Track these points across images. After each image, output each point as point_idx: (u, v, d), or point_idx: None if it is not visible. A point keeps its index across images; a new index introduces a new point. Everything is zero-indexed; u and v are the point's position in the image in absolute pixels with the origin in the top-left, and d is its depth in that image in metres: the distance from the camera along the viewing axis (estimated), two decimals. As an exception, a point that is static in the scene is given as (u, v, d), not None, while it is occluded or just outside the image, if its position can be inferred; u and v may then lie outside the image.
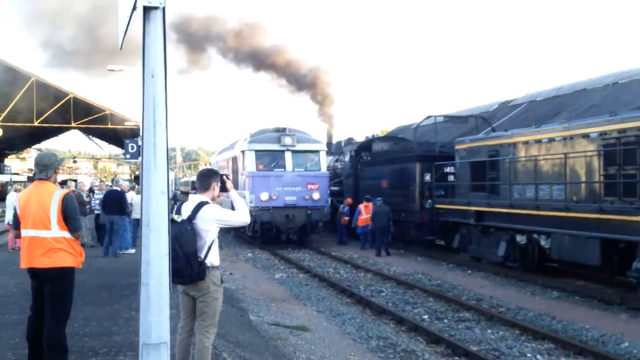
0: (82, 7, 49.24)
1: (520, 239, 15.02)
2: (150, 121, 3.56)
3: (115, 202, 15.54)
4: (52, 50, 57.83)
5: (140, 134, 3.77)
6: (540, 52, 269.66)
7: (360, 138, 30.12)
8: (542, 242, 14.17)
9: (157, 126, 3.57)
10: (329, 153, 26.50)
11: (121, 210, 15.48)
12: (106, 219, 15.75)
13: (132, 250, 15.94)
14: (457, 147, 18.60)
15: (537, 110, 25.37)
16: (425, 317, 11.59)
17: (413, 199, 20.34)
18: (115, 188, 16.47)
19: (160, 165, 3.57)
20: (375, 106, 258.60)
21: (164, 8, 3.56)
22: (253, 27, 38.80)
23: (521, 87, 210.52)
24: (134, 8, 3.49)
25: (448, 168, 19.43)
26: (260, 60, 37.46)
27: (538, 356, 9.05)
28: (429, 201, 19.37)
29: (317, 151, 22.93)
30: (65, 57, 55.88)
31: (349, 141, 29.62)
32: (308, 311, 11.97)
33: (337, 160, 28.32)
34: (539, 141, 14.80)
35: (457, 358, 9.05)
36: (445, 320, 11.31)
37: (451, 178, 19.27)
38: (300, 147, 22.42)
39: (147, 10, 3.54)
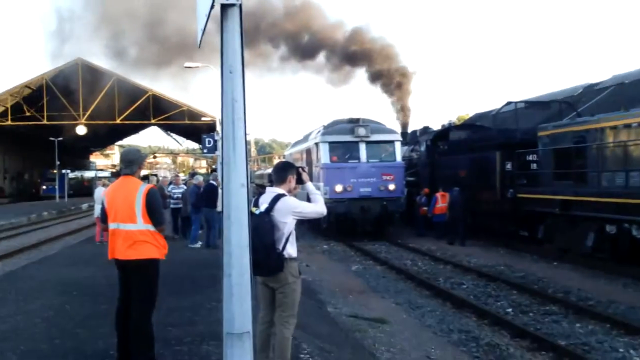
0: (155, 7, 50.40)
1: (610, 228, 14.41)
2: (229, 116, 3.62)
3: (210, 195, 15.93)
4: (126, 50, 59.53)
5: (220, 128, 3.84)
6: (627, 32, 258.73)
7: (436, 127, 29.74)
8: (634, 232, 13.58)
9: (236, 121, 3.63)
10: (404, 143, 26.25)
11: (214, 204, 15.81)
12: (204, 211, 16.25)
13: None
14: (540, 133, 18.04)
15: (626, 93, 24.26)
16: (509, 310, 11.35)
17: (494, 189, 19.89)
18: (211, 182, 16.85)
19: (240, 158, 3.63)
20: (451, 93, 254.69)
21: (240, 5, 3.61)
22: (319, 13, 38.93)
23: (606, 69, 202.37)
24: (212, 6, 3.56)
25: (530, 156, 18.89)
26: (333, 51, 37.55)
27: (632, 351, 8.68)
28: (511, 191, 18.86)
29: (391, 141, 22.77)
30: (140, 56, 57.49)
31: (425, 130, 29.23)
32: (386, 303, 11.95)
33: (412, 150, 28.05)
34: (628, 126, 14.23)
35: (543, 353, 8.77)
36: (531, 314, 11.02)
37: (534, 166, 18.72)
38: (374, 137, 22.32)
39: (224, 7, 3.60)
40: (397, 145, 22.83)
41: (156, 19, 48.20)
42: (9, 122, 56.26)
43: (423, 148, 26.53)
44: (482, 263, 16.64)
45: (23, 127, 60.10)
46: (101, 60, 55.56)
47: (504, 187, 19.36)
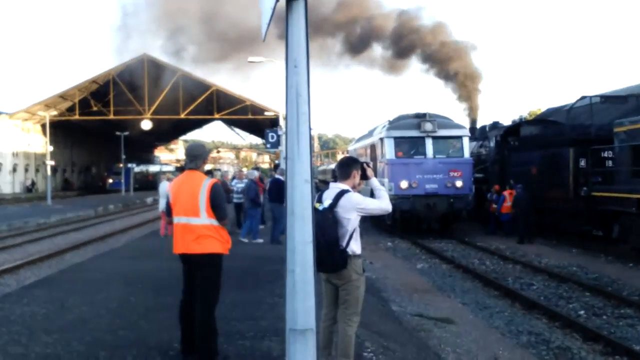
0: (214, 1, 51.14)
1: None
2: (294, 111, 3.58)
3: (276, 190, 16.02)
4: (185, 45, 60.74)
5: (283, 123, 3.81)
6: None
7: (506, 122, 29.10)
8: None
9: (300, 115, 3.58)
10: (472, 139, 25.79)
11: (280, 199, 15.86)
12: (269, 206, 16.36)
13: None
14: (616, 129, 17.32)
15: None
16: (582, 312, 10.97)
17: (566, 186, 19.24)
18: (277, 176, 16.93)
19: (304, 153, 3.58)
20: (523, 88, 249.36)
21: (305, -1, 3.57)
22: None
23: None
24: (277, 0, 3.52)
25: (606, 152, 18.17)
26: (400, 45, 37.26)
27: None
28: (585, 188, 18.22)
29: (459, 137, 22.36)
30: (199, 51, 58.46)
31: (494, 126, 28.62)
32: (452, 303, 11.74)
33: (481, 146, 27.54)
34: None
35: (617, 357, 8.45)
36: (604, 317, 10.63)
37: (609, 163, 18.04)
38: (441, 133, 21.95)
39: (289, 1, 3.56)
40: (465, 140, 22.41)
41: (215, 13, 48.89)
42: (77, 117, 58.18)
43: (492, 144, 25.99)
44: (553, 263, 16.16)
45: (90, 122, 62.08)
46: (163, 56, 56.43)
47: (577, 185, 18.72)
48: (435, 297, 12.26)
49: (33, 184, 66.46)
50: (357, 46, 40.38)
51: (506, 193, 21.36)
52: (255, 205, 16.49)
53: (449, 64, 34.26)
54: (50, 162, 47.93)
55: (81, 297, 9.10)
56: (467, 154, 22.30)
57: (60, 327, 7.24)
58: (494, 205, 22.43)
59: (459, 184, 21.45)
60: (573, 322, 10.02)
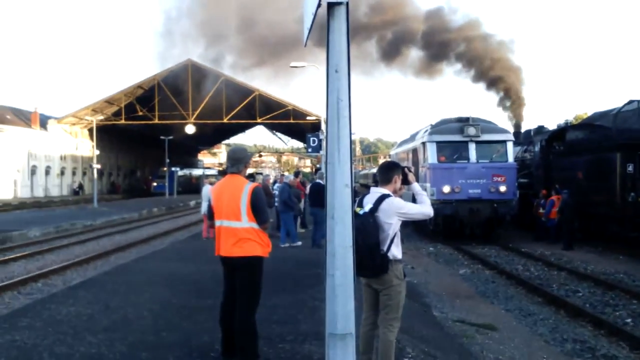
0: (253, 7, 51.55)
1: None
2: (334, 115, 3.59)
3: (317, 194, 16.03)
4: (225, 51, 61.46)
5: (324, 128, 3.82)
6: None
7: (551, 126, 28.63)
8: None
9: (340, 120, 3.59)
10: (516, 143, 25.44)
11: (320, 203, 15.81)
12: (310, 211, 16.39)
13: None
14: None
15: None
16: (629, 320, 10.72)
17: (613, 192, 18.82)
18: (318, 181, 16.96)
19: (344, 158, 3.58)
20: (569, 91, 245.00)
21: (347, 3, 3.56)
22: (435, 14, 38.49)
23: None
24: (319, 5, 3.53)
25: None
26: (441, 49, 37.01)
27: None
28: (632, 194, 17.81)
29: (503, 141, 22.08)
30: (242, 56, 58.98)
31: (539, 130, 28.18)
32: (495, 309, 11.59)
33: (525, 151, 27.15)
34: None
35: (664, 366, 8.25)
36: (654, 326, 10.35)
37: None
38: (484, 137, 21.70)
39: (331, 6, 3.56)
40: (509, 145, 22.11)
41: (254, 19, 49.26)
42: (123, 121, 59.25)
43: (537, 148, 25.59)
44: (599, 270, 15.82)
45: (135, 126, 63.19)
46: (206, 61, 57.06)
47: (624, 191, 18.30)
48: (477, 303, 12.13)
49: (80, 187, 67.91)
50: (390, 51, 40.24)
51: (555, 198, 21.00)
52: (288, 209, 16.52)
53: (490, 67, 33.84)
54: (96, 166, 48.89)
55: (125, 298, 9.26)
56: (511, 158, 21.99)
57: (104, 328, 7.38)
58: (541, 211, 22.05)
59: (502, 189, 21.17)
60: (619, 330, 9.80)
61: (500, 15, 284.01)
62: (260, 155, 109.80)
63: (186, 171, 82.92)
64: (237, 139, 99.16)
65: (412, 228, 25.04)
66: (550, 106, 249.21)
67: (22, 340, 6.83)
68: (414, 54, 39.55)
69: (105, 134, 62.24)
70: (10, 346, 6.63)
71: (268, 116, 58.99)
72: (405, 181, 5.64)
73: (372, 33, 39.83)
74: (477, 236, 21.79)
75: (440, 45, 36.76)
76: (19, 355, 6.30)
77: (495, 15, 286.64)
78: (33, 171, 62.25)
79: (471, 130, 21.55)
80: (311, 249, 15.27)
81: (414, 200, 5.63)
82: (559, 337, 9.62)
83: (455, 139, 21.80)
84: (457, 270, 16.35)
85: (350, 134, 3.65)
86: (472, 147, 21.58)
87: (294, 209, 16.83)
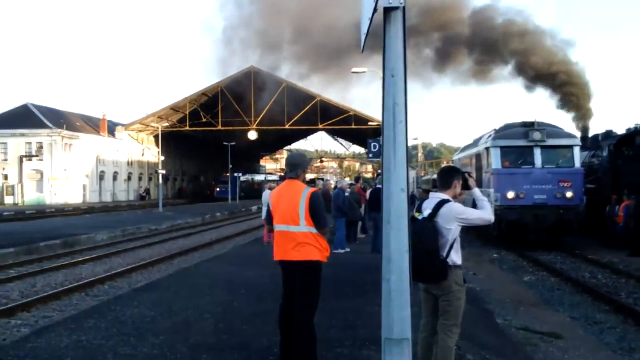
0: (311, 15, 51.72)
1: None
2: (390, 120, 3.58)
3: (377, 199, 16.01)
4: (284, 58, 62.03)
5: (381, 132, 3.81)
6: None
7: (620, 131, 27.75)
8: None
9: (396, 124, 3.58)
10: (583, 148, 24.78)
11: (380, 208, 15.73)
12: (370, 215, 16.37)
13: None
14: None
15: None
16: (702, 330, 10.28)
17: (684, 198, 18.15)
18: (378, 186, 16.93)
19: (400, 163, 3.57)
20: (638, 94, 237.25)
21: (403, 8, 3.56)
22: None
23: None
24: (375, 10, 3.53)
25: None
26: (497, 53, 36.37)
27: None
28: None
29: (569, 146, 21.53)
30: (300, 61, 59.32)
31: (607, 134, 27.31)
32: (560, 317, 11.29)
33: (593, 156, 26.40)
34: None
35: None
36: None
37: None
38: (550, 142, 21.21)
39: (387, 11, 3.56)
40: (576, 150, 21.55)
41: (311, 25, 49.44)
42: (187, 128, 60.48)
43: (605, 153, 24.85)
44: (670, 278, 15.22)
45: (199, 133, 64.44)
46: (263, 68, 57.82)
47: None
48: (542, 310, 11.84)
49: (146, 191, 69.63)
50: (445, 58, 39.74)
51: (628, 203, 20.34)
52: (341, 214, 16.50)
53: (552, 71, 33.03)
54: (162, 171, 50.07)
55: (187, 301, 9.44)
56: (577, 163, 21.43)
57: (167, 329, 7.54)
58: (621, 215, 21.30)
59: (569, 194, 20.64)
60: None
61: (565, 13, 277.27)
62: (322, 161, 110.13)
63: (248, 176, 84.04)
64: (298, 145, 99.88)
65: (475, 234, 24.66)
66: (619, 110, 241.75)
67: (88, 341, 7.06)
68: (469, 60, 38.91)
69: (170, 140, 63.75)
70: (76, 346, 6.85)
71: (329, 122, 59.28)
72: (466, 186, 5.57)
73: (428, 38, 39.44)
74: (542, 242, 21.28)
75: (495, 49, 36.13)
76: (85, 356, 6.50)
77: (561, 14, 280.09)
78: (101, 176, 64.28)
79: (536, 135, 21.11)
80: (372, 254, 15.22)
81: (474, 206, 5.54)
82: (627, 346, 9.30)
83: (519, 143, 21.40)
84: (521, 277, 16.01)
85: (407, 138, 3.64)
86: (537, 152, 21.14)
87: (347, 214, 16.83)
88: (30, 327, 9.59)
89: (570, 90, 32.38)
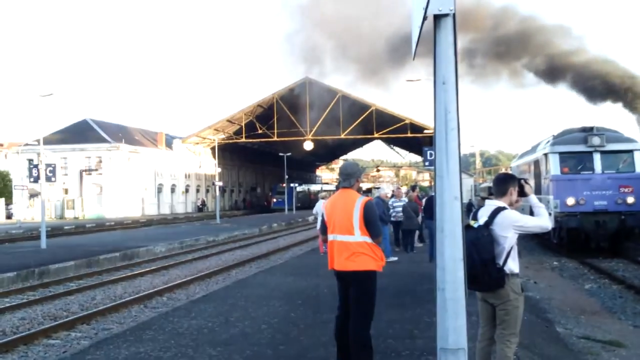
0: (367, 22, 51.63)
1: None
2: (442, 127, 3.57)
3: (432, 207, 15.90)
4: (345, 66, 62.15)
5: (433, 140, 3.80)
6: None
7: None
8: None
9: (448, 132, 3.56)
10: (645, 152, 24.05)
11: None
12: (426, 224, 16.31)
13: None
14: None
15: None
16: None
17: None
18: (432, 194, 16.84)
19: (453, 170, 3.55)
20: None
21: (454, 15, 3.55)
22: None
23: None
24: (425, 17, 3.53)
25: None
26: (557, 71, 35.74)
27: None
28: None
29: (630, 151, 20.95)
30: (349, 70, 59.31)
31: (670, 137, 26.56)
32: (622, 326, 10.97)
33: (656, 160, 25.60)
34: None
35: None
36: None
37: None
38: (610, 147, 20.70)
39: (437, 18, 3.56)
40: (637, 154, 20.93)
41: (357, 35, 49.33)
42: (243, 139, 61.17)
43: (668, 157, 24.06)
44: None
45: (255, 144, 65.11)
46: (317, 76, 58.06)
47: None
48: (604, 319, 11.53)
49: (203, 203, 70.66)
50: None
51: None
52: (382, 224, 16.42)
53: (610, 79, 32.22)
54: (219, 183, 50.75)
55: (244, 312, 9.55)
56: (639, 168, 20.83)
57: (224, 341, 7.64)
58: None
59: (630, 200, 20.08)
60: None
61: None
62: (378, 170, 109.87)
63: (305, 187, 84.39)
64: (354, 154, 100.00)
65: (535, 242, 24.21)
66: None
67: (146, 352, 7.20)
68: (528, 68, 38.25)
69: (226, 152, 64.70)
70: (134, 358, 7.01)
71: (384, 130, 59.15)
72: (522, 193, 5.50)
73: (483, 46, 38.91)
74: (603, 249, 20.72)
75: (553, 61, 35.51)
76: (143, 367, 6.64)
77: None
78: (159, 189, 65.55)
79: (595, 140, 20.63)
80: (429, 263, 15.09)
81: (532, 213, 5.46)
82: (691, 355, 8.98)
83: (578, 149, 20.95)
84: (583, 285, 15.63)
85: (460, 146, 3.62)
86: (597, 158, 20.65)
87: (387, 223, 16.75)
88: (89, 339, 9.77)
89: (631, 95, 31.58)
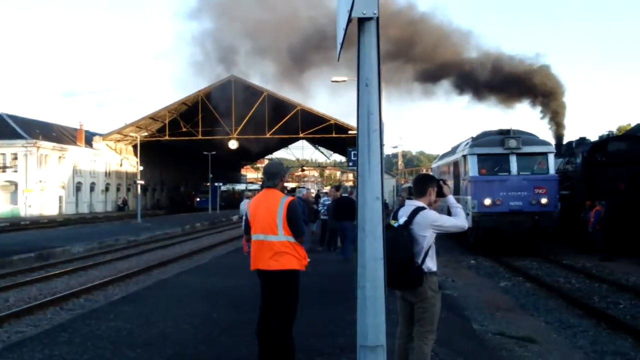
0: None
1: None
2: (365, 128, 3.62)
3: (345, 208, 16.05)
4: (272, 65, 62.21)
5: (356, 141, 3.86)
6: None
7: (593, 138, 28.17)
8: None
9: (371, 133, 3.62)
10: (558, 155, 25.11)
11: (351, 216, 15.81)
12: (337, 225, 16.40)
13: None
14: None
15: None
16: (671, 332, 10.46)
17: (654, 203, 18.51)
18: (344, 194, 17.00)
19: (374, 171, 3.62)
20: (611, 102, 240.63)
21: (377, 18, 3.61)
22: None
23: None
24: (349, 20, 3.59)
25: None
26: (470, 83, 36.84)
27: None
28: None
29: (544, 153, 21.81)
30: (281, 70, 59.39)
31: (581, 142, 27.75)
32: (535, 322, 11.44)
33: (567, 163, 26.76)
34: None
35: None
36: (695, 337, 10.12)
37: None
38: (526, 149, 21.49)
39: (361, 21, 3.62)
40: (551, 157, 21.84)
41: (292, 40, 49.48)
42: (167, 138, 60.17)
43: (579, 160, 25.21)
44: (642, 282, 15.50)
45: (179, 142, 64.15)
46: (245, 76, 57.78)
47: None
48: (518, 315, 11.98)
49: (124, 202, 69.06)
50: (427, 77, 40.12)
51: (599, 209, 20.67)
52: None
53: (529, 81, 33.49)
54: (140, 182, 49.72)
55: (165, 313, 9.41)
56: (552, 170, 21.71)
57: (144, 342, 7.51)
58: (592, 220, 21.60)
59: (544, 201, 20.91)
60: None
61: (540, 26, 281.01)
62: (303, 170, 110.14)
63: (229, 186, 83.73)
64: (279, 154, 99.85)
65: (454, 241, 24.84)
66: (593, 117, 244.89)
67: (61, 355, 7.00)
68: (448, 82, 39.36)
69: (149, 150, 63.39)
70: (49, 361, 6.80)
71: (310, 130, 59.38)
72: (441, 194, 5.65)
73: (405, 57, 39.73)
74: (518, 249, 21.51)
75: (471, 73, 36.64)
76: (58, 370, 6.46)
77: (534, 26, 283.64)
78: (78, 187, 63.65)
79: (512, 143, 21.37)
80: (348, 263, 15.26)
81: (449, 213, 5.62)
82: (599, 350, 9.45)
83: (496, 151, 21.65)
84: (498, 283, 16.18)
85: (381, 147, 3.69)
86: (513, 160, 21.40)
87: (307, 223, 16.90)
88: (2, 342, 9.38)
89: (547, 101, 32.85)
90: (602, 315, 11.67)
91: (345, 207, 16.03)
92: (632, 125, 37.41)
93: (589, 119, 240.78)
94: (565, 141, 31.20)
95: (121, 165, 69.82)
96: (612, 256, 19.79)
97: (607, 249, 19.94)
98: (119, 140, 65.81)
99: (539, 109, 33.82)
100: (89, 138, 66.14)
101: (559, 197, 21.86)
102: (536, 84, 33.04)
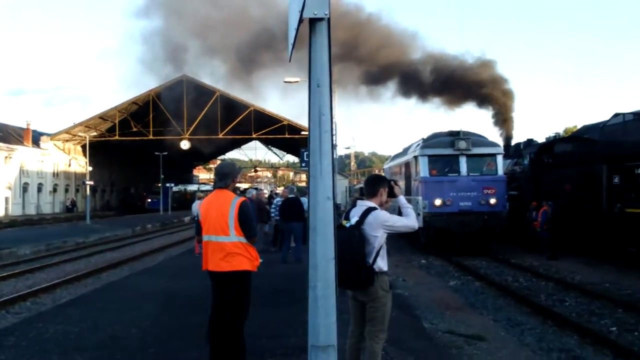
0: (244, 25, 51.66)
1: None
2: (316, 129, 3.64)
3: (293, 209, 16.06)
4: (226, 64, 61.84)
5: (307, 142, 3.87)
6: None
7: (541, 139, 28.81)
8: None
9: (322, 134, 3.64)
10: (506, 156, 25.62)
11: (299, 217, 15.86)
12: (285, 226, 16.36)
13: None
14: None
15: None
16: (613, 329, 10.78)
17: (599, 203, 19.02)
18: (291, 195, 17.00)
19: (326, 171, 3.63)
20: (559, 105, 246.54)
21: (328, 19, 3.63)
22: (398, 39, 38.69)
23: None
24: (301, 21, 3.60)
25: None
26: (419, 85, 37.25)
27: None
28: (618, 205, 17.99)
29: (493, 154, 22.23)
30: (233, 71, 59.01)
31: (529, 143, 28.41)
32: (484, 320, 11.64)
33: (515, 164, 27.33)
34: None
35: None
36: (636, 333, 10.44)
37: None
38: (475, 150, 21.85)
39: (312, 22, 3.63)
40: (499, 158, 22.28)
41: (243, 40, 49.28)
42: (117, 137, 59.14)
43: (526, 161, 25.78)
44: (586, 280, 15.93)
45: (130, 142, 63.07)
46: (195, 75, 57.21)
47: (611, 202, 18.48)
48: (467, 314, 12.17)
49: (73, 204, 67.61)
50: (374, 79, 40.43)
51: (546, 209, 21.15)
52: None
53: (477, 85, 34.04)
54: (89, 182, 48.78)
55: (114, 316, 9.28)
56: (501, 171, 22.15)
57: (92, 346, 7.40)
58: (539, 220, 22.03)
59: (492, 201, 21.30)
60: (604, 339, 9.86)
61: (488, 30, 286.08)
62: (256, 171, 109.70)
63: (181, 187, 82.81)
64: (232, 154, 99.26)
65: (404, 241, 25.08)
66: (541, 119, 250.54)
67: (7, 360, 6.85)
68: (393, 82, 39.67)
69: (99, 151, 62.19)
70: (-6, 365, 6.65)
71: (263, 131, 59.16)
72: (392, 194, 5.71)
73: (355, 60, 39.96)
74: (468, 248, 21.86)
75: (415, 74, 37.04)
76: (3, 374, 6.31)
77: (483, 30, 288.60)
78: (25, 188, 61.98)
79: (462, 144, 21.70)
80: (300, 264, 15.28)
81: (400, 213, 5.68)
82: (546, 347, 9.67)
83: (446, 152, 21.94)
84: (448, 282, 16.40)
85: (333, 147, 3.71)
86: (462, 161, 21.72)
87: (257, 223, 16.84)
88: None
89: (495, 103, 33.42)
90: (548, 313, 11.95)
91: (292, 208, 16.04)
92: (579, 127, 38.28)
93: (536, 121, 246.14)
94: (513, 142, 31.84)
95: (70, 165, 68.30)
96: (559, 255, 20.27)
97: (554, 248, 20.44)
98: (67, 140, 64.38)
99: (485, 109, 34.46)
100: (36, 138, 64.47)
101: (507, 198, 22.30)
102: (482, 80, 33.58)
